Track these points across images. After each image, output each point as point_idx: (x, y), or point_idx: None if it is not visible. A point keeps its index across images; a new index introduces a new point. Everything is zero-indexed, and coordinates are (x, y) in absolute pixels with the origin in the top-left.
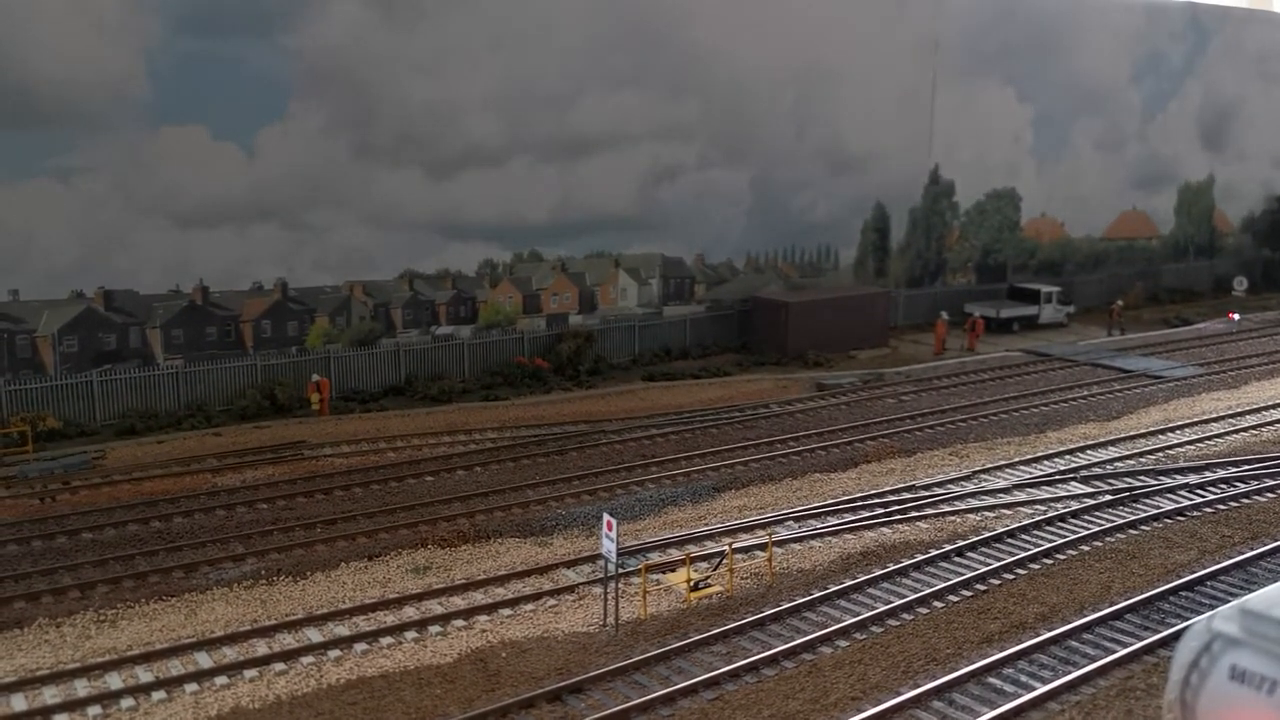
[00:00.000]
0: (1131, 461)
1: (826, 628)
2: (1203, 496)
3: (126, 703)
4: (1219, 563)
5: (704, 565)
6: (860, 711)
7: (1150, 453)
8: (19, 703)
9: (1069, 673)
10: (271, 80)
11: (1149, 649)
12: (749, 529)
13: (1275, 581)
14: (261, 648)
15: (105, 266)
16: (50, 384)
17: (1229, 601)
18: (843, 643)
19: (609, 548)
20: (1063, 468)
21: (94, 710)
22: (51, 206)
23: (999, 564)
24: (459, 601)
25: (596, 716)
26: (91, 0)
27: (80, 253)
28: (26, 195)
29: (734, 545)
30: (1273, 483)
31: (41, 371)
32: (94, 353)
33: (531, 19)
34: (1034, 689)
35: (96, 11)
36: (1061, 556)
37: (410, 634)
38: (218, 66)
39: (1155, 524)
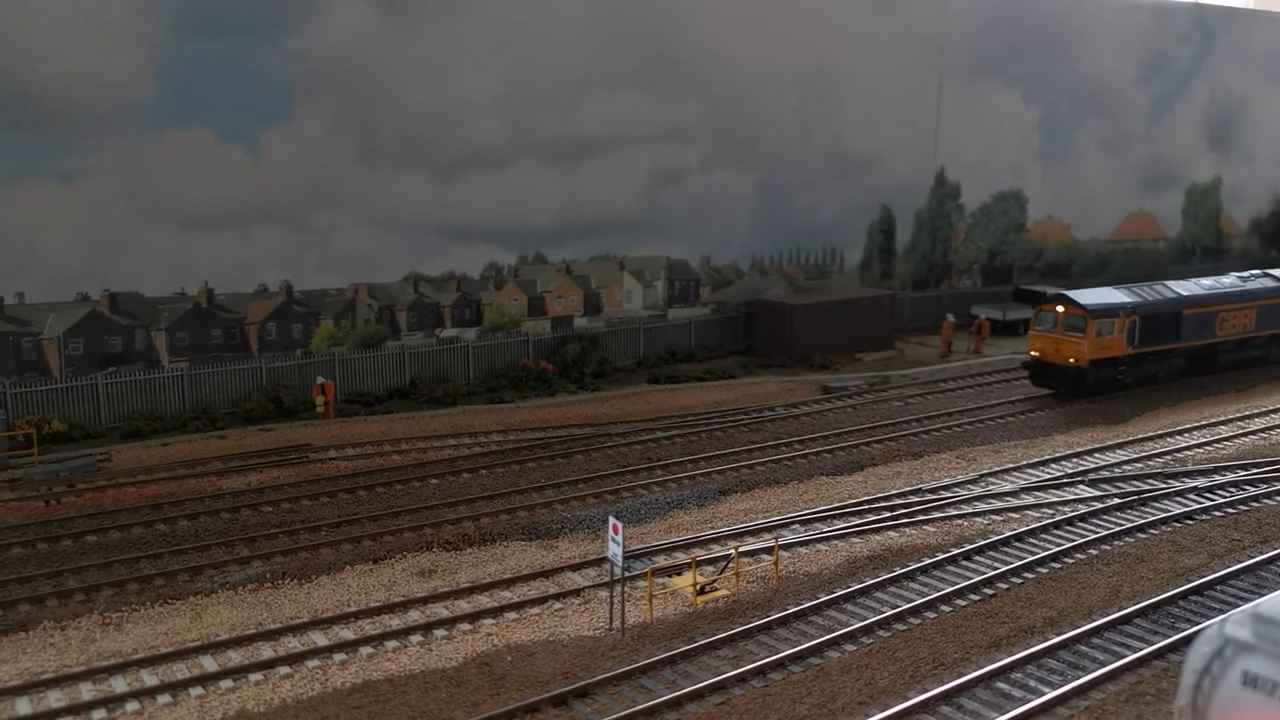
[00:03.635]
0: (1140, 465)
1: (833, 632)
2: (1212, 500)
3: (131, 706)
4: (1229, 567)
5: (710, 569)
6: (867, 716)
7: (1158, 456)
8: (24, 706)
9: (1078, 678)
10: (275, 83)
11: (1158, 654)
12: (755, 532)
13: None
14: (266, 651)
15: (110, 269)
16: (55, 387)
17: (1238, 606)
18: (849, 647)
19: (615, 551)
20: (1070, 471)
21: (99, 714)
22: (56, 209)
23: (1006, 568)
24: (464, 605)
25: None
26: (95, 3)
27: (85, 255)
28: (31, 198)
29: (740, 549)
30: None
31: (47, 374)
32: (99, 355)
33: (534, 21)
34: (1042, 694)
35: (100, 15)
36: (1069, 560)
37: (415, 637)
38: (222, 69)
39: (1164, 528)
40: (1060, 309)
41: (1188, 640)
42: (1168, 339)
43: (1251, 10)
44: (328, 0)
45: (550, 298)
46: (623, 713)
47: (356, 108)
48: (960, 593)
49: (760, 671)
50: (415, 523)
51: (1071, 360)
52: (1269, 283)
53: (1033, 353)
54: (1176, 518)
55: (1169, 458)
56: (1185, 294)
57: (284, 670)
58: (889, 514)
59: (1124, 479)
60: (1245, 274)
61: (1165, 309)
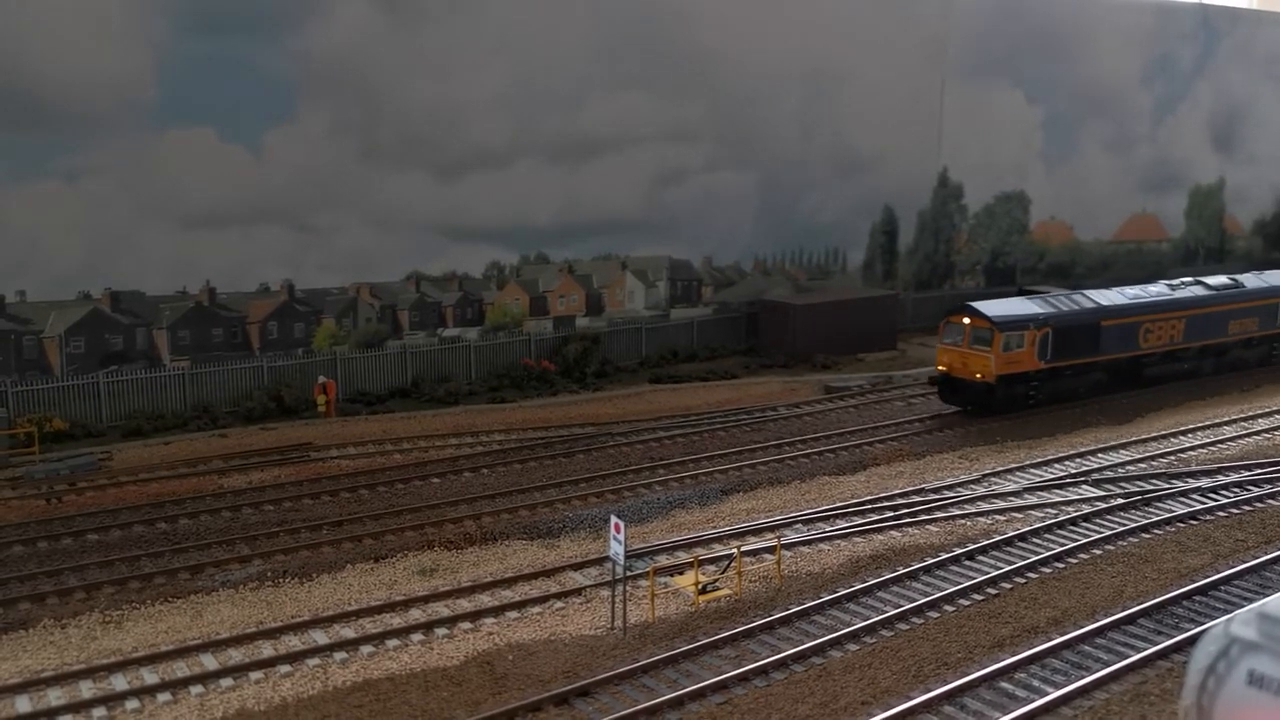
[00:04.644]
0: (1143, 465)
1: (836, 631)
2: (1216, 500)
3: (131, 704)
4: (1233, 567)
5: (712, 568)
6: (870, 716)
7: (1162, 456)
8: (24, 704)
9: (1082, 677)
10: (278, 82)
11: (1163, 654)
12: (757, 532)
13: None
14: (267, 650)
15: (112, 268)
16: (57, 385)
17: (1243, 606)
18: (852, 646)
19: (617, 550)
20: (1074, 471)
21: (99, 712)
22: (58, 208)
23: (1010, 568)
24: (465, 604)
25: None
26: (98, 2)
27: (87, 254)
28: (33, 197)
29: (742, 548)
30: None
31: (48, 373)
32: (101, 354)
33: (537, 20)
34: (1046, 694)
35: (103, 14)
36: (1073, 560)
37: (416, 636)
38: (224, 68)
39: (1168, 528)
40: (967, 321)
41: (1192, 640)
42: (1085, 352)
43: (1255, 11)
44: None
45: (552, 297)
46: (624, 712)
47: (358, 107)
48: (963, 592)
49: (762, 671)
50: (416, 521)
51: (978, 376)
52: (1200, 291)
53: (940, 367)
54: (1180, 518)
55: (1173, 458)
56: (1105, 304)
57: (285, 669)
58: (891, 514)
59: (1127, 479)
60: (1175, 281)
61: (1081, 320)
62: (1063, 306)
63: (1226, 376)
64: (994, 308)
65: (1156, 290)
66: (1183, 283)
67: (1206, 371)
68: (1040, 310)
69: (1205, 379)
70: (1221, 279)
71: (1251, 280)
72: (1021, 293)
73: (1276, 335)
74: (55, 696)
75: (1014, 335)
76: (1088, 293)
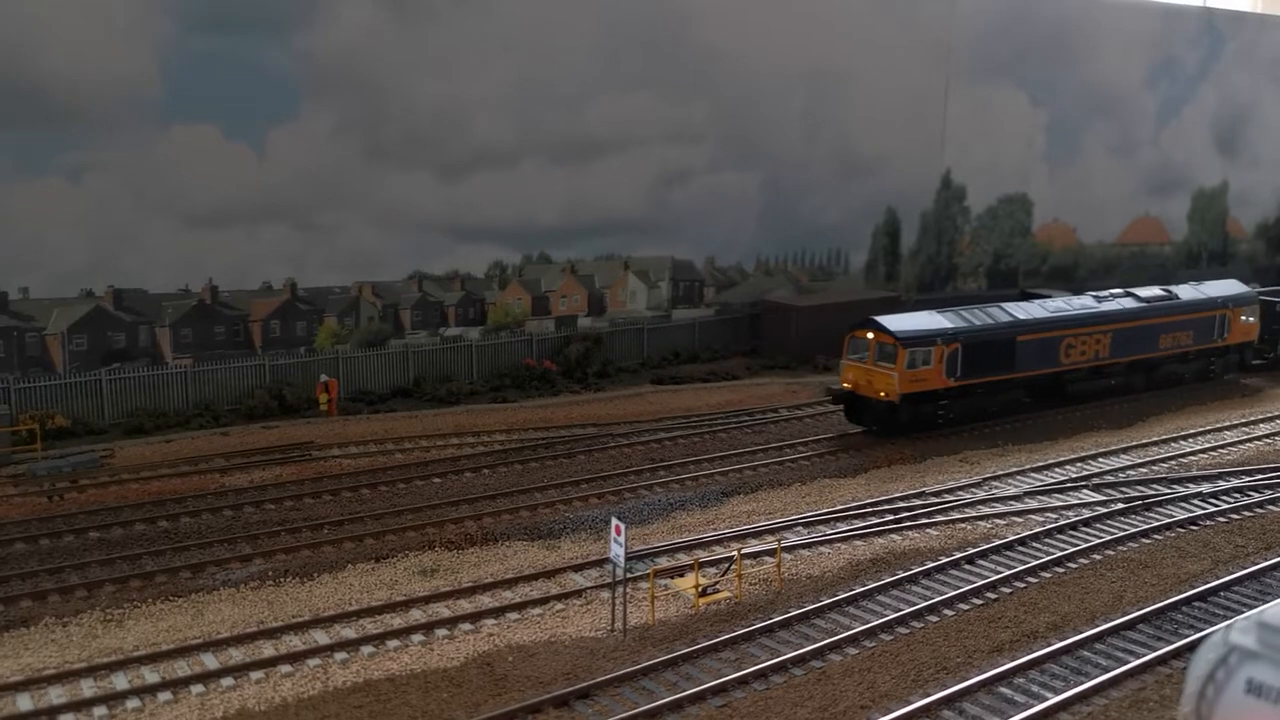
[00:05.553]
0: (1144, 470)
1: (835, 635)
2: (1216, 506)
3: (132, 703)
4: (1233, 573)
5: (712, 570)
6: None
7: (1163, 461)
8: (25, 702)
9: (1081, 683)
10: (283, 80)
11: (1162, 659)
12: (758, 534)
13: None
14: (268, 649)
15: (115, 265)
16: (59, 382)
17: (1242, 612)
18: (852, 650)
19: (617, 552)
20: (1074, 476)
21: (100, 711)
22: (62, 205)
23: (1010, 572)
24: (466, 605)
25: None
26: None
27: (90, 252)
28: (37, 194)
29: (743, 551)
30: None
31: (51, 370)
32: (103, 351)
33: (542, 21)
34: (1045, 699)
35: (109, 11)
36: (1073, 565)
37: (417, 637)
38: (230, 66)
39: (1168, 533)
40: (871, 336)
41: (1191, 646)
42: (999, 369)
43: (1260, 14)
44: None
45: (554, 297)
46: (624, 714)
47: (363, 106)
48: (963, 596)
49: (762, 674)
50: (418, 522)
51: (882, 394)
52: (1129, 304)
53: (844, 384)
54: (1181, 523)
55: (1173, 463)
56: (1021, 318)
57: (285, 669)
58: (892, 517)
59: (1128, 484)
60: (1102, 293)
61: (994, 335)
62: (975, 321)
63: (1229, 383)
64: (899, 322)
65: (1080, 303)
66: (1111, 294)
67: (1137, 388)
68: (950, 325)
69: (1207, 384)
70: (1154, 290)
71: (1187, 292)
72: (1024, 295)
73: (1215, 349)
74: (56, 695)
75: (919, 351)
76: (1005, 305)
